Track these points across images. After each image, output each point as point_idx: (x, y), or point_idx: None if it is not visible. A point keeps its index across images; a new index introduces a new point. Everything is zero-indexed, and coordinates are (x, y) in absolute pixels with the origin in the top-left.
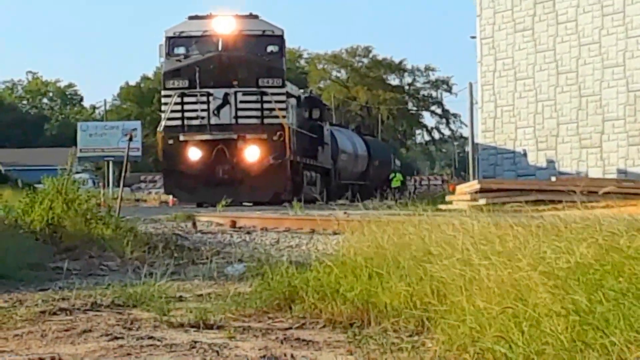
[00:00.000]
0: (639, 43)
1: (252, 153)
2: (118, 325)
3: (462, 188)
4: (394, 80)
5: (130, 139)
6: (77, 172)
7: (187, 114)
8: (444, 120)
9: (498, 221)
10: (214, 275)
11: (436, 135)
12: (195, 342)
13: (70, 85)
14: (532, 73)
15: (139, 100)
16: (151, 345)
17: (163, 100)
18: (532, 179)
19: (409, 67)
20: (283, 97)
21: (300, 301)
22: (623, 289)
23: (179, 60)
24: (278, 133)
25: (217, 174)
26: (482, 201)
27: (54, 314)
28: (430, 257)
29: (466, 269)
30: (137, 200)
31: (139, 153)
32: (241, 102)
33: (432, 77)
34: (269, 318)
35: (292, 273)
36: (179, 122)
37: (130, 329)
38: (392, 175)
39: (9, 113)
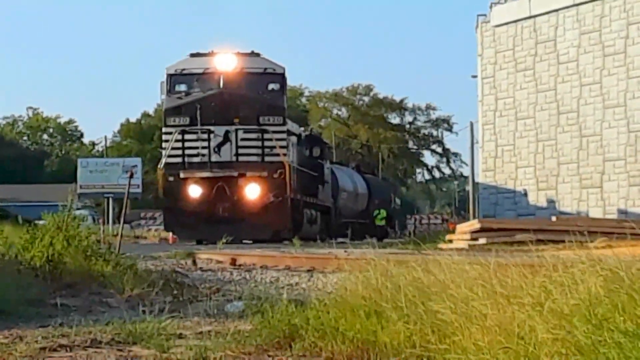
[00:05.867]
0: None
1: (252, 191)
2: None
3: (462, 227)
4: (394, 119)
5: (131, 176)
6: (77, 209)
7: (187, 152)
8: (444, 159)
9: (499, 260)
10: (214, 313)
11: (436, 174)
12: None
13: (70, 122)
14: (533, 113)
15: (140, 137)
16: None
17: (164, 137)
18: (532, 219)
19: (409, 105)
20: (284, 135)
21: (300, 339)
22: (629, 329)
23: (180, 98)
24: (279, 171)
25: (217, 211)
26: (482, 240)
27: (54, 350)
28: (431, 295)
29: (467, 306)
30: (137, 237)
31: (139, 190)
32: (242, 139)
33: (433, 116)
34: (269, 356)
35: (292, 311)
36: (179, 160)
37: None
38: (375, 212)
39: (9, 149)
